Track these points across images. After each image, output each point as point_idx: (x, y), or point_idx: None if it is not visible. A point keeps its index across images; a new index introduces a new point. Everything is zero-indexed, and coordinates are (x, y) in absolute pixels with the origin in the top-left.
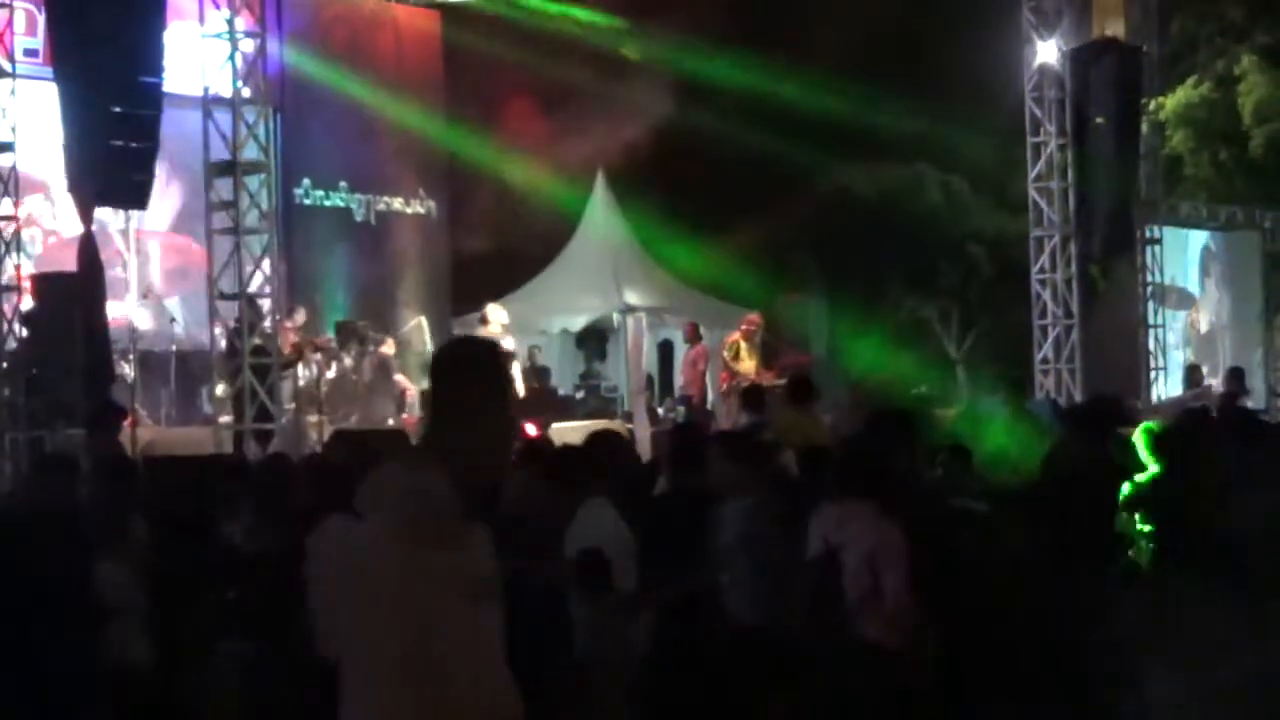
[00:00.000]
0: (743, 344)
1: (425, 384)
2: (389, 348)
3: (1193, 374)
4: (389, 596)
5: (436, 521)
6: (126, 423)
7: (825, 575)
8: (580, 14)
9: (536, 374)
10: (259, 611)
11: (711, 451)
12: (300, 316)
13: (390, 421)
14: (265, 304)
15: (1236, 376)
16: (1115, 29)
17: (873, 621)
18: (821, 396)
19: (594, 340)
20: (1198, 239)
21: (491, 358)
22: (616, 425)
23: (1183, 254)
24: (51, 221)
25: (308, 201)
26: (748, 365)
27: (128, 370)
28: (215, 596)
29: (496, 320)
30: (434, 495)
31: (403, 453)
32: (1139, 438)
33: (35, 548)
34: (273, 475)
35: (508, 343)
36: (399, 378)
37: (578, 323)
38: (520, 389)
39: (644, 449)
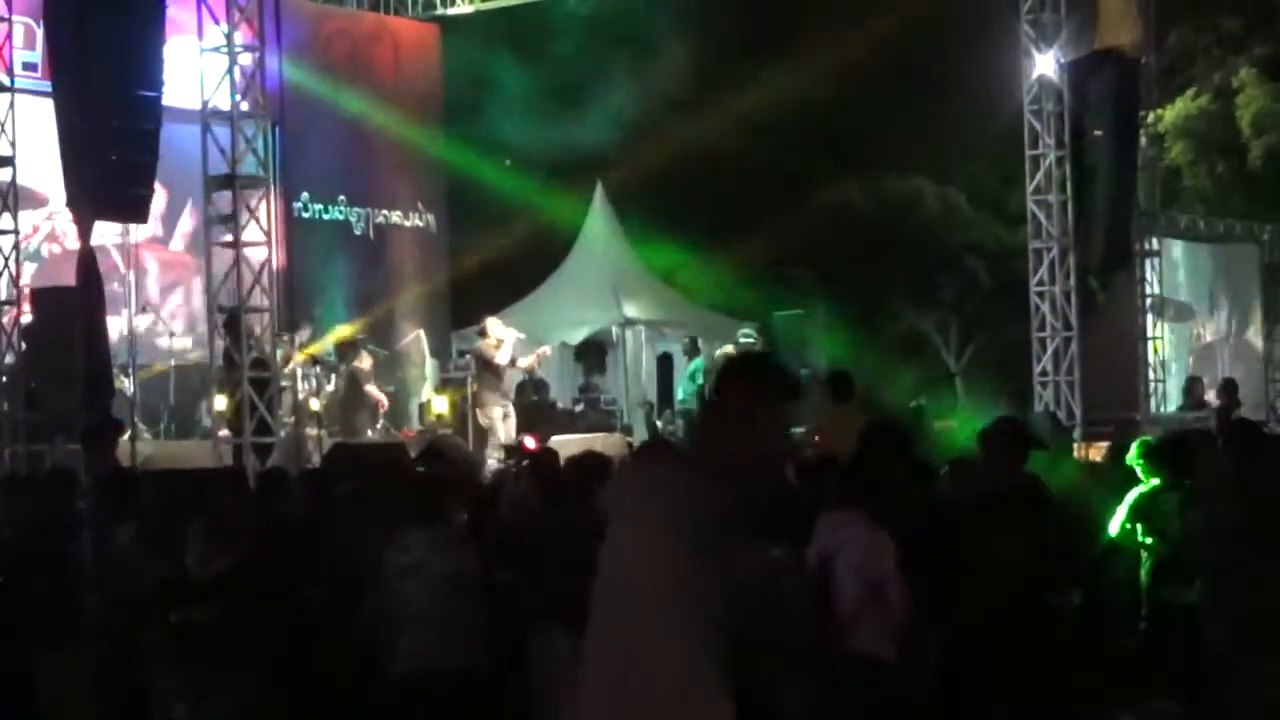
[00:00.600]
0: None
1: (425, 395)
2: (363, 361)
3: (1193, 387)
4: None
5: (708, 528)
6: (125, 437)
7: (817, 587)
8: (578, 26)
9: (535, 387)
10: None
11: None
12: (304, 334)
13: (369, 434)
14: (264, 317)
15: (1229, 389)
16: (1119, 39)
17: (867, 632)
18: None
19: (593, 353)
20: (1197, 252)
21: (775, 373)
22: (616, 439)
23: (1181, 267)
24: (67, 240)
25: (307, 215)
26: None
27: (127, 384)
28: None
29: (494, 333)
30: (702, 501)
31: (667, 456)
32: (1135, 452)
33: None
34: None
35: (504, 357)
36: (370, 389)
37: (577, 336)
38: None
39: None
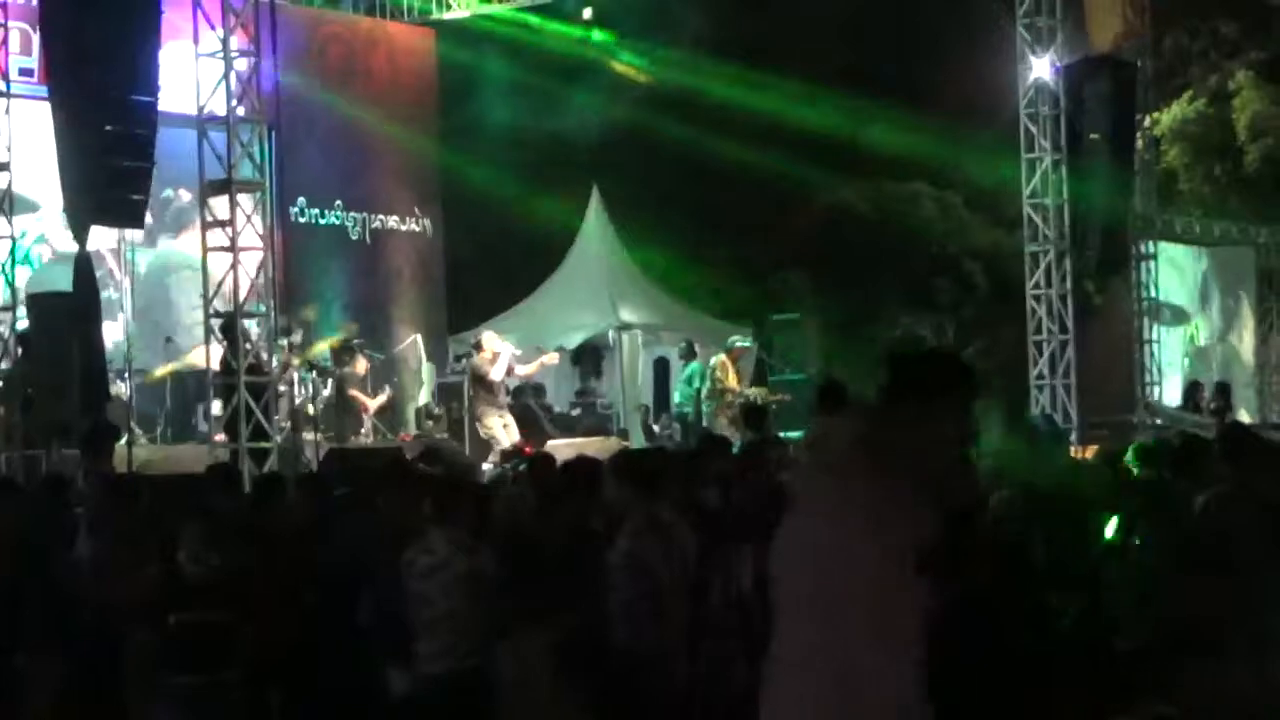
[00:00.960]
0: (729, 366)
1: (421, 400)
2: (357, 366)
3: (1194, 391)
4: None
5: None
6: (121, 442)
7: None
8: (574, 31)
9: (531, 391)
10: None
11: (604, 473)
12: (297, 338)
13: (353, 439)
14: (261, 323)
15: (1222, 392)
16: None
17: None
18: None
19: (590, 358)
20: (1194, 255)
21: (968, 376)
22: (611, 443)
23: (1178, 271)
24: (60, 243)
25: (303, 220)
26: (731, 381)
27: (123, 389)
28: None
29: (490, 347)
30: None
31: (865, 463)
32: (1131, 454)
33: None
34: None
35: (498, 372)
36: (354, 393)
37: (573, 340)
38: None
39: None
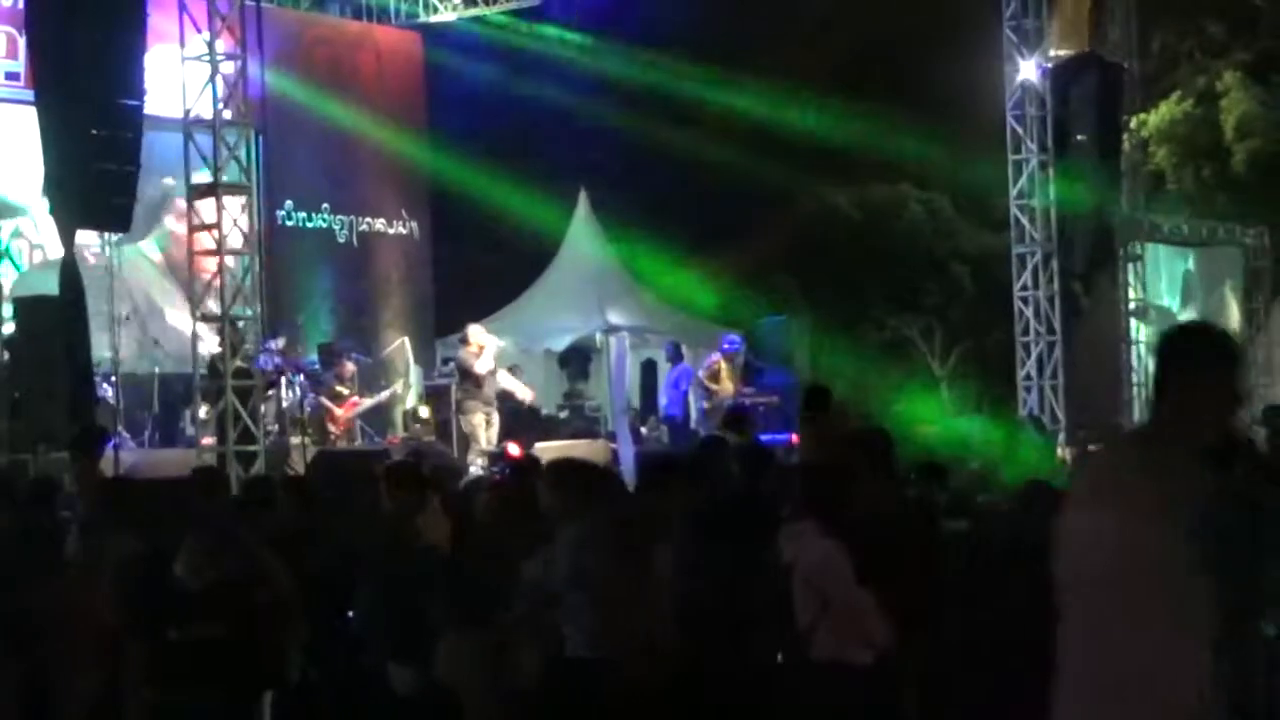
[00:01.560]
0: (723, 365)
1: (409, 403)
2: (343, 369)
3: None
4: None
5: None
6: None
7: (778, 597)
8: (561, 34)
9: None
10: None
11: (540, 480)
12: (279, 342)
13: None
14: (248, 326)
15: None
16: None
17: (826, 640)
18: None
19: (577, 360)
20: (1180, 256)
21: (1235, 349)
22: (599, 445)
23: (1163, 271)
24: (37, 237)
25: (290, 223)
26: (727, 386)
27: (109, 393)
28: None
29: (475, 340)
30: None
31: (1141, 438)
32: None
33: None
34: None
35: (484, 365)
36: (323, 400)
37: (561, 342)
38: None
39: (628, 469)
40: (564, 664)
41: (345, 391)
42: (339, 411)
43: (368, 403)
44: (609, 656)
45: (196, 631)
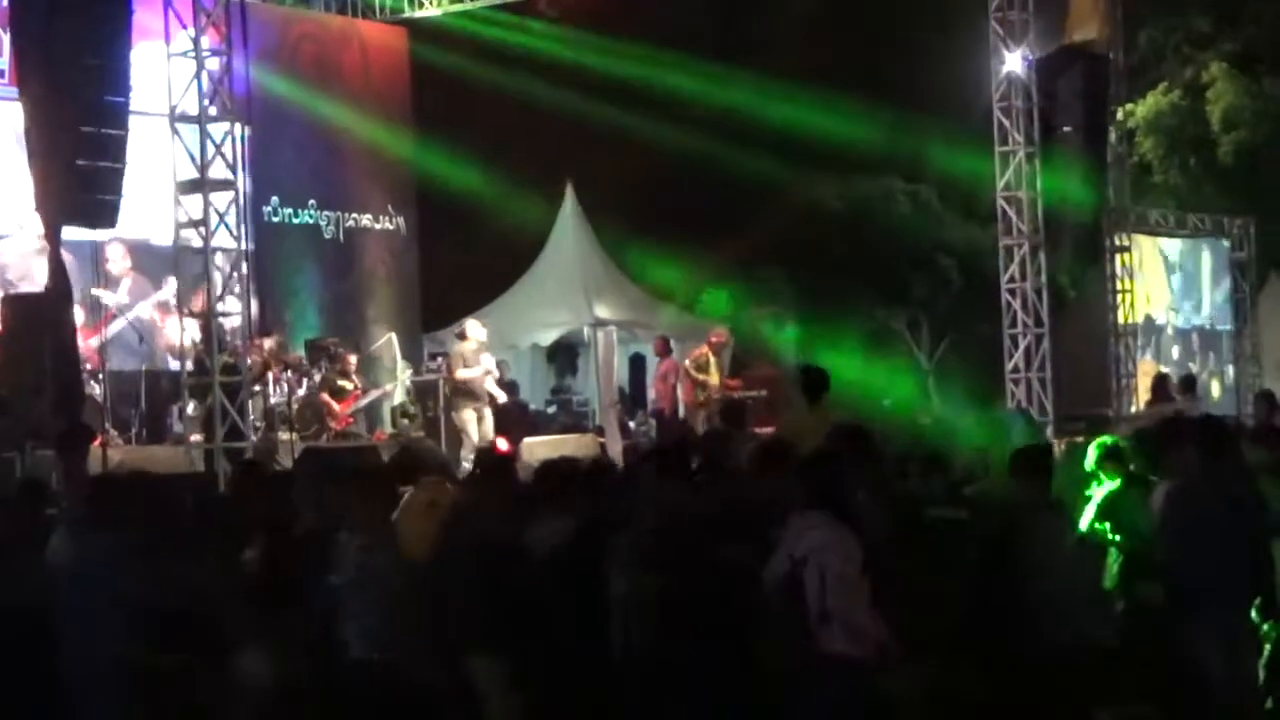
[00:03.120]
0: (711, 358)
1: (397, 399)
2: (346, 363)
3: (1164, 384)
4: None
5: None
6: (96, 443)
7: (788, 591)
8: (547, 29)
9: (505, 389)
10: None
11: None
12: (270, 342)
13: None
14: (235, 322)
15: (1188, 385)
16: (1089, 34)
17: (838, 632)
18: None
19: (565, 355)
20: (1168, 248)
21: None
22: (588, 440)
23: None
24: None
25: (276, 219)
26: (714, 377)
27: (97, 390)
28: None
29: (474, 336)
30: None
31: None
32: (1093, 455)
33: None
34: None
35: (485, 359)
36: (324, 397)
37: (548, 337)
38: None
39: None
40: (350, 665)
41: (348, 386)
42: (337, 407)
43: (367, 398)
44: (392, 659)
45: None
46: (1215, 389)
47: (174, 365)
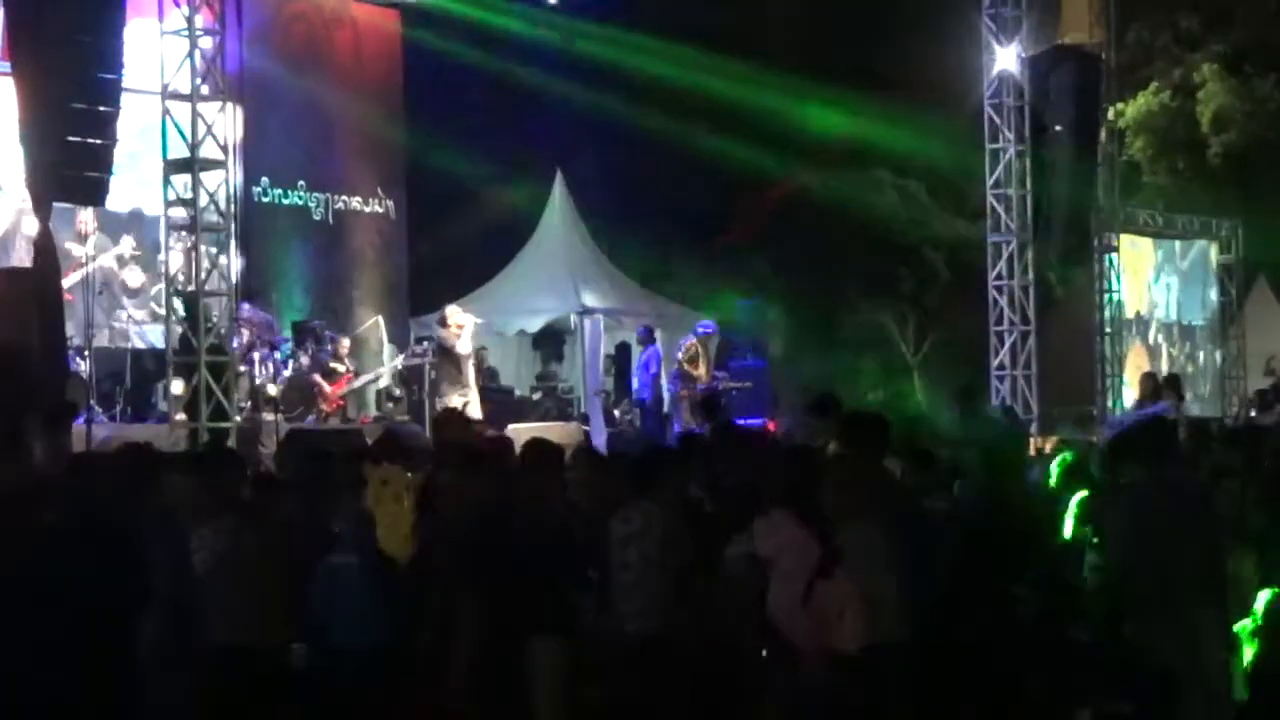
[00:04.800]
0: (699, 349)
1: (383, 383)
2: (340, 347)
3: (1151, 383)
4: None
5: None
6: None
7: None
8: (539, 14)
9: (485, 375)
10: None
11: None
12: (255, 315)
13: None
14: (222, 302)
15: (1173, 385)
16: (1078, 36)
17: (813, 627)
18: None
19: (551, 342)
20: (1156, 248)
21: None
22: (572, 428)
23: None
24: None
25: (266, 199)
26: (701, 370)
27: (83, 366)
28: None
29: (454, 321)
30: None
31: None
32: (1055, 470)
33: None
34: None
35: (465, 345)
36: (315, 378)
37: (535, 324)
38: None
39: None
40: (211, 651)
41: (340, 368)
42: (329, 389)
43: (358, 381)
44: (252, 644)
45: None
46: (1201, 389)
47: (145, 333)
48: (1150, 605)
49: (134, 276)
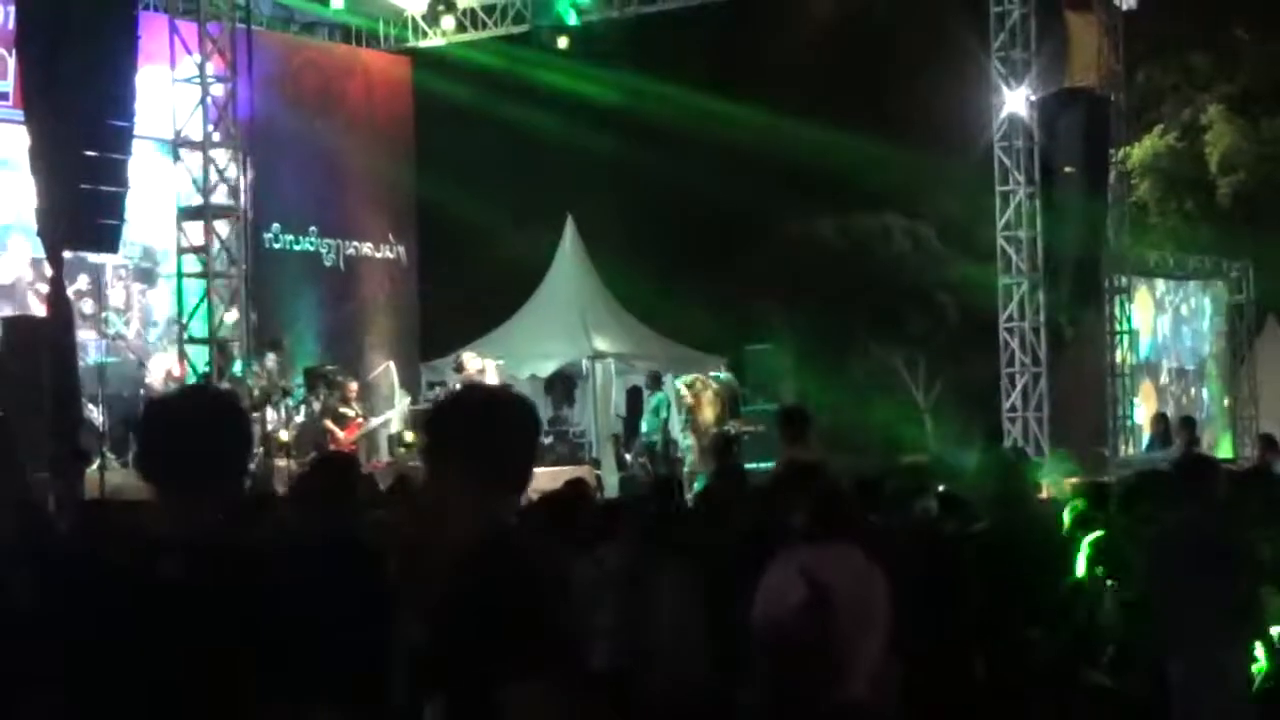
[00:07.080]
0: (705, 394)
1: (394, 427)
2: (348, 389)
3: (1160, 425)
4: None
5: None
6: (93, 466)
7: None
8: (549, 61)
9: None
10: None
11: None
12: (270, 361)
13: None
14: (235, 348)
15: (1187, 426)
16: (1090, 78)
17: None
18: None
19: (563, 386)
20: (1165, 289)
21: None
22: (584, 471)
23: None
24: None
25: (277, 246)
26: (708, 414)
27: (95, 413)
28: None
29: (471, 367)
30: None
31: None
32: (1067, 517)
33: None
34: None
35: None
36: (327, 424)
37: (546, 368)
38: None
39: (611, 495)
40: None
41: (350, 413)
42: (341, 435)
43: (370, 425)
44: None
45: None
46: (1214, 431)
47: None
48: (1177, 646)
49: (88, 306)
